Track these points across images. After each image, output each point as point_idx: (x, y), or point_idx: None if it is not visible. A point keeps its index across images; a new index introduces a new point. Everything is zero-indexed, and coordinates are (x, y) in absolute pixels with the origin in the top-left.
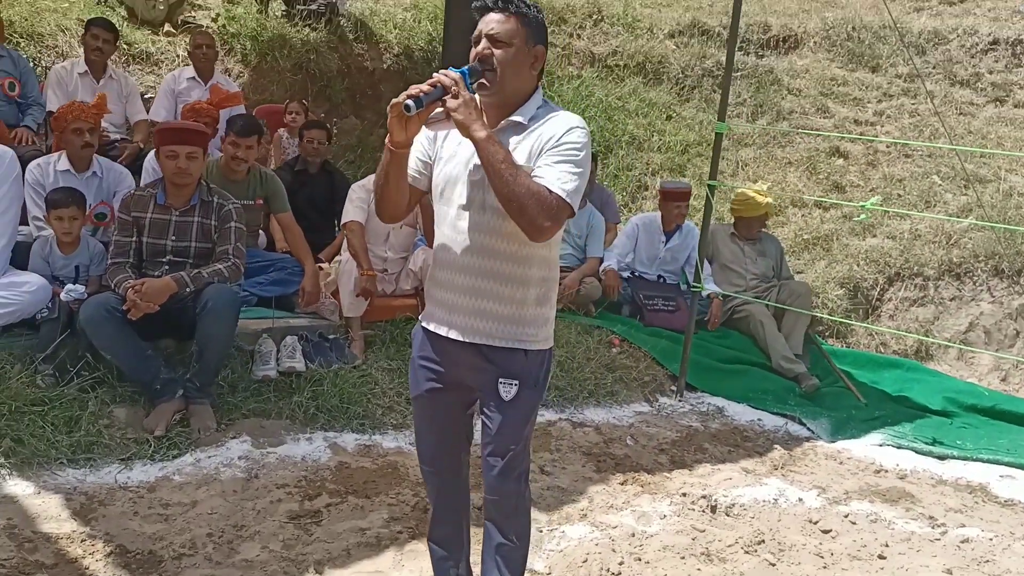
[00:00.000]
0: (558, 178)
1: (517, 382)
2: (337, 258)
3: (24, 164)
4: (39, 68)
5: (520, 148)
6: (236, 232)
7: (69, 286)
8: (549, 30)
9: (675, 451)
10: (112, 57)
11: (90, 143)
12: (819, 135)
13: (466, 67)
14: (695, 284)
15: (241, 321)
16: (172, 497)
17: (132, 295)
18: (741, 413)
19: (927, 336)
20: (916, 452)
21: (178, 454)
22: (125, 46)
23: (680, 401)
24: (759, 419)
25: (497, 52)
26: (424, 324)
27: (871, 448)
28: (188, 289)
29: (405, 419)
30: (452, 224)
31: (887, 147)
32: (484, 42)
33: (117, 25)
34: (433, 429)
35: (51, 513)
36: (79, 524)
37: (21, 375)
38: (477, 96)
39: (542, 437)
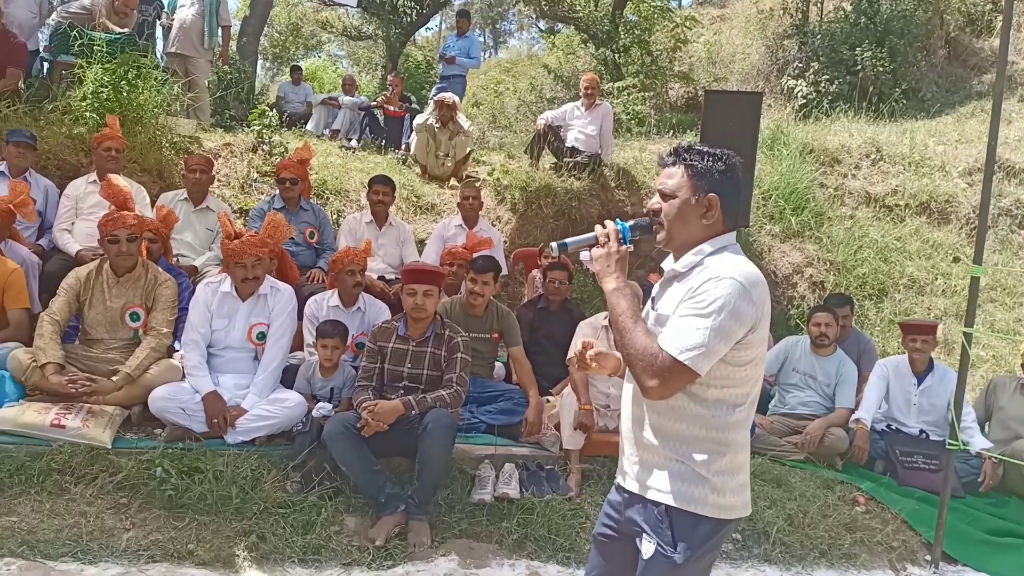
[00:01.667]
0: (676, 335)
1: (655, 539)
2: (565, 391)
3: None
4: (341, 218)
5: (672, 297)
6: (461, 362)
7: (320, 404)
8: (820, 171)
9: None
10: (401, 207)
11: (359, 282)
12: None
13: (632, 221)
14: (951, 441)
15: (466, 446)
16: None
17: (366, 415)
18: None
19: None
20: None
21: (392, 565)
22: (415, 198)
23: (934, 573)
24: None
25: (664, 206)
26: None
27: None
28: (413, 412)
29: None
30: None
31: None
32: (656, 196)
33: (410, 182)
34: (596, 572)
35: None
36: None
37: (274, 480)
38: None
39: None
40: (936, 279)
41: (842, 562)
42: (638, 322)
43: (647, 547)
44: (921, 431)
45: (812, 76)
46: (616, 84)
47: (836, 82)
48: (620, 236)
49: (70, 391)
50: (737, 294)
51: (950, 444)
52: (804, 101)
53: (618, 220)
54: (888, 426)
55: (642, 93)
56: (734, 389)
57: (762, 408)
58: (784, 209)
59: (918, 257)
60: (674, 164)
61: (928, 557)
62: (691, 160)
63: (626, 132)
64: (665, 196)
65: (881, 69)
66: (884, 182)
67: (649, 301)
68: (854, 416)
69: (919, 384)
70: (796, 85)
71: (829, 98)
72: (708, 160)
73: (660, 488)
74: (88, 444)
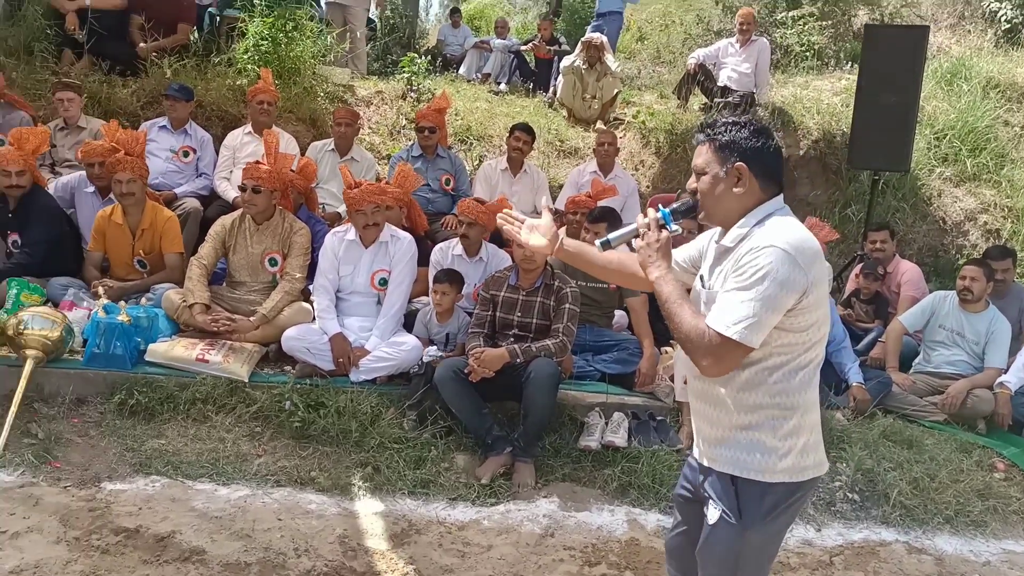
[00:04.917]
0: (722, 311)
1: (721, 508)
2: None
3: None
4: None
5: (722, 273)
6: (569, 313)
7: (430, 348)
8: (1006, 108)
9: None
10: (544, 151)
11: (466, 235)
12: None
13: (674, 205)
14: None
15: (578, 393)
16: (475, 538)
17: (472, 361)
18: None
19: None
20: None
21: (495, 502)
22: (559, 142)
23: None
24: None
25: (699, 184)
26: None
27: None
28: (519, 360)
29: None
30: None
31: None
32: (693, 176)
33: (555, 126)
34: (678, 530)
35: (378, 531)
36: (393, 545)
37: (391, 417)
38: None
39: (863, 555)
40: None
41: (969, 529)
42: (684, 304)
43: (712, 513)
44: None
45: None
46: (791, 13)
47: None
48: (662, 223)
49: (213, 329)
50: (780, 261)
51: None
52: (1008, 26)
53: (660, 207)
54: None
55: (820, 22)
56: (798, 356)
57: (905, 366)
58: (959, 150)
59: None
60: (702, 142)
61: None
62: (714, 134)
63: (795, 65)
64: (698, 174)
65: None
66: None
67: (698, 279)
68: (1000, 379)
69: None
70: (1000, 8)
71: None
72: (732, 130)
73: (727, 459)
74: (228, 377)
